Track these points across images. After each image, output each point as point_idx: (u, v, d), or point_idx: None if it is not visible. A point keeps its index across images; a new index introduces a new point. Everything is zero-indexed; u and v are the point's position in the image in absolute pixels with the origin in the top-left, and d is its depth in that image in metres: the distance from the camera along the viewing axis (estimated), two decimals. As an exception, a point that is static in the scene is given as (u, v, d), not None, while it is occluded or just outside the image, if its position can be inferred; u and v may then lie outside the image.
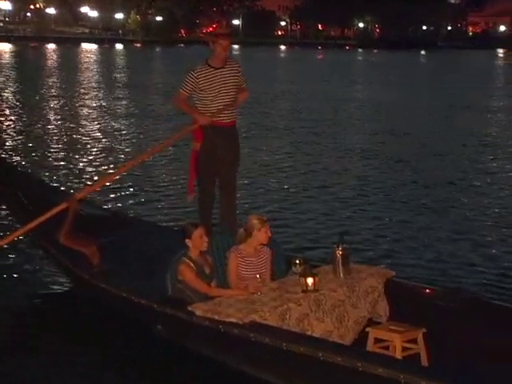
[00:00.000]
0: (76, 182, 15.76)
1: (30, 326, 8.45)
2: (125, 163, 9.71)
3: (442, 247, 11.81)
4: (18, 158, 18.77)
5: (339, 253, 7.20)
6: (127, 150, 21.10)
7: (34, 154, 19.85)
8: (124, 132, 24.94)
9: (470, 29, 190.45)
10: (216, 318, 6.46)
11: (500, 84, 56.61)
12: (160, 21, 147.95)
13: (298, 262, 7.27)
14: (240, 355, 6.58)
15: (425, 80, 56.62)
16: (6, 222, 11.97)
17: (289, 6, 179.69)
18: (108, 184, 12.27)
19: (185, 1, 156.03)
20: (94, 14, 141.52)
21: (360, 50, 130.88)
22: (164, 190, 15.19)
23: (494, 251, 11.74)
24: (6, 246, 9.57)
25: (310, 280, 6.71)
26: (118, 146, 21.72)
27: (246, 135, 22.45)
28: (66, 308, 8.89)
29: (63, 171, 17.39)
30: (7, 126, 25.38)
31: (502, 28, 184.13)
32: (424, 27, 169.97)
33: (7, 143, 21.53)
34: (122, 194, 14.30)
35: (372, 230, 12.82)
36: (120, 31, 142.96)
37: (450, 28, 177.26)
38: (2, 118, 26.93)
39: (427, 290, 7.40)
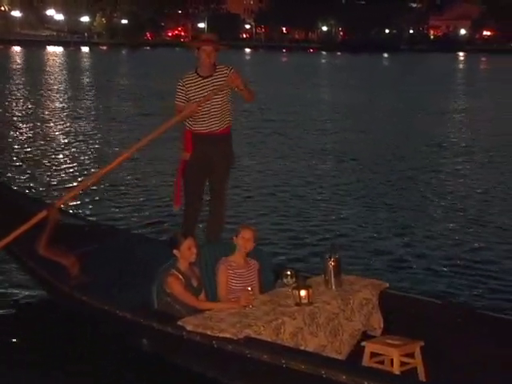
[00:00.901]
0: (45, 190, 15.33)
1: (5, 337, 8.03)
2: (104, 165, 8.97)
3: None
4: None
5: (331, 264, 6.91)
6: (89, 151, 20.87)
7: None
8: (90, 133, 24.69)
9: (432, 32, 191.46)
10: (208, 333, 6.09)
11: (458, 86, 57.08)
12: (125, 24, 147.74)
13: (289, 273, 7.03)
14: (234, 372, 6.24)
15: (386, 82, 56.32)
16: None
17: (253, 9, 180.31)
18: (86, 191, 12.16)
19: (150, 4, 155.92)
20: (59, 16, 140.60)
21: (324, 52, 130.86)
22: (145, 198, 14.64)
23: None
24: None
25: (303, 293, 6.41)
26: (81, 148, 21.42)
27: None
28: (42, 321, 8.46)
29: (30, 177, 16.86)
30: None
31: (463, 31, 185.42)
32: (386, 31, 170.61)
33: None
34: (100, 202, 13.82)
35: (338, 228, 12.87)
36: (86, 34, 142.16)
37: (412, 31, 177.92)
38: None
39: (421, 302, 7.10)
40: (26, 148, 21.23)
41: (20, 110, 31.14)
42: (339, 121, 30.35)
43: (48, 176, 17.06)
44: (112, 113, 31.28)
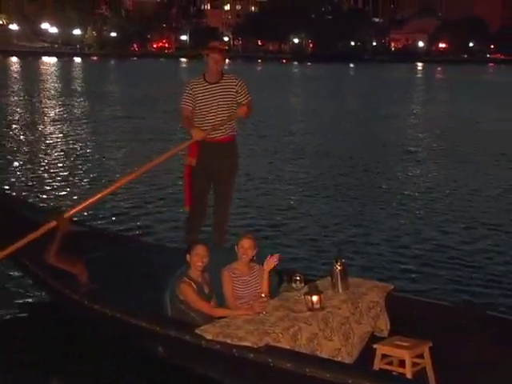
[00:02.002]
0: (47, 198, 14.46)
1: (15, 347, 7.30)
2: (116, 181, 8.52)
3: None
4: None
5: (338, 268, 6.54)
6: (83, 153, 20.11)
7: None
8: (82, 136, 24.10)
9: (393, 44, 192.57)
10: (228, 341, 5.62)
11: (415, 93, 57.33)
12: (114, 36, 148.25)
13: (298, 278, 6.55)
14: (255, 380, 5.79)
15: (351, 90, 57.02)
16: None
17: (231, 23, 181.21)
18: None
19: (137, 18, 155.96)
20: (53, 30, 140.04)
21: (295, 63, 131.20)
22: (151, 205, 13.62)
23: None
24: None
25: (315, 298, 6.03)
26: (74, 152, 20.69)
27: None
28: (45, 324, 7.80)
29: (32, 185, 15.90)
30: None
31: (420, 44, 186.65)
32: (352, 43, 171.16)
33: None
34: (106, 210, 12.71)
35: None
36: (78, 46, 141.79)
37: (375, 44, 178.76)
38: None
39: (425, 303, 6.76)
40: (27, 155, 20.25)
41: (19, 116, 30.44)
42: (308, 124, 30.25)
43: (46, 183, 16.30)
44: (98, 116, 30.89)
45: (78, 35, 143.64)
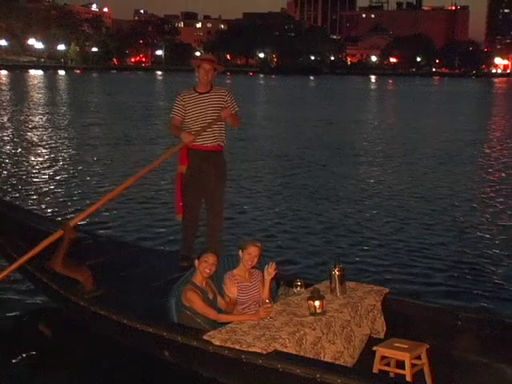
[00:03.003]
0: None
1: (21, 351, 6.64)
2: (116, 187, 7.66)
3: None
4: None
5: (336, 272, 6.22)
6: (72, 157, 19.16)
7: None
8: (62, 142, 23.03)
9: (349, 59, 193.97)
10: (237, 347, 5.25)
11: (368, 102, 57.86)
12: (96, 51, 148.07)
13: (299, 283, 6.25)
14: None
15: (308, 99, 56.94)
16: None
17: (203, 39, 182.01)
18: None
19: (116, 35, 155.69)
20: (39, 45, 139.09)
21: (261, 75, 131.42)
22: (147, 212, 12.56)
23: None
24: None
25: (317, 303, 5.71)
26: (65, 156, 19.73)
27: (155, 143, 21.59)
28: (56, 334, 7.17)
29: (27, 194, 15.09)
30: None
31: (373, 58, 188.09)
32: (312, 57, 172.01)
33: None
34: (103, 217, 11.71)
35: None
36: (62, 60, 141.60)
37: (332, 58, 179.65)
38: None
39: (420, 306, 6.42)
40: (17, 163, 19.49)
41: (6, 122, 29.77)
42: (270, 130, 30.24)
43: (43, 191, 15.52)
44: (79, 122, 30.45)
45: (62, 50, 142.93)
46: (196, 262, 6.00)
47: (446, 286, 8.74)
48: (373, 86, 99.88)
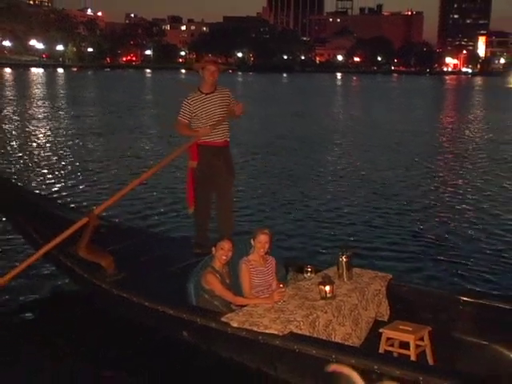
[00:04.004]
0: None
1: (47, 334, 6.31)
2: (136, 178, 7.39)
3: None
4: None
5: (344, 259, 6.00)
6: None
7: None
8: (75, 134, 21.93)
9: (317, 58, 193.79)
10: (254, 329, 5.03)
11: (336, 97, 58.20)
12: (91, 51, 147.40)
13: (309, 269, 6.05)
14: (281, 364, 5.11)
15: (281, 95, 56.67)
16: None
17: (187, 40, 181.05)
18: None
19: (109, 36, 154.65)
20: (40, 46, 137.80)
21: (239, 73, 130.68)
22: (162, 201, 12.05)
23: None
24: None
25: (328, 288, 5.52)
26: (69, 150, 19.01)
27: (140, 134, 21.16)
28: (79, 316, 6.64)
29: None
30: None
31: (340, 58, 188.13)
32: (285, 57, 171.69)
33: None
34: (120, 205, 10.61)
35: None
36: (60, 59, 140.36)
37: (303, 57, 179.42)
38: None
39: (422, 291, 6.15)
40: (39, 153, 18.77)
41: (13, 114, 29.16)
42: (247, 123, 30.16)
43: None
44: (74, 114, 30.32)
45: (60, 50, 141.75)
46: (213, 249, 5.78)
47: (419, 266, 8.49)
48: (339, 83, 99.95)
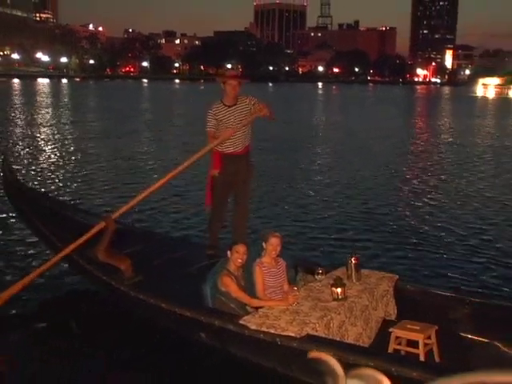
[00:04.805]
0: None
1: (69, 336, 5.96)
2: (154, 182, 6.74)
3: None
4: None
5: (353, 261, 5.78)
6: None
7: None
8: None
9: (300, 69, 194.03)
10: (272, 331, 4.78)
11: (318, 104, 58.40)
12: (92, 63, 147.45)
13: (320, 271, 5.81)
14: (298, 365, 4.80)
15: (267, 102, 56.32)
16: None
17: (181, 53, 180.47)
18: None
19: (109, 49, 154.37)
20: (46, 58, 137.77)
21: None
22: (174, 205, 11.40)
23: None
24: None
25: (340, 290, 5.32)
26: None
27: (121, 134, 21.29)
28: (99, 316, 6.32)
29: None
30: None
31: (320, 69, 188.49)
32: (270, 68, 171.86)
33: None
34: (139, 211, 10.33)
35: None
36: (65, 70, 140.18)
37: (287, 68, 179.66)
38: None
39: (428, 291, 5.91)
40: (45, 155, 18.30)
41: (23, 120, 28.43)
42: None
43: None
44: (77, 120, 29.73)
45: (64, 62, 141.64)
46: (228, 252, 5.50)
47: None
48: (320, 92, 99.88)
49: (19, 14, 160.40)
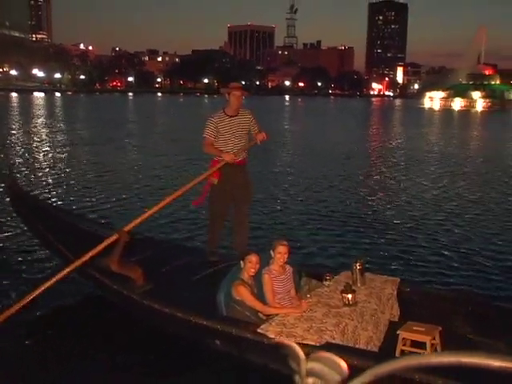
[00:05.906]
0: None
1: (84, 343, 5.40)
2: (167, 197, 6.25)
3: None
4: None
5: (358, 266, 5.47)
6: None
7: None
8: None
9: (269, 83, 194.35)
10: (292, 340, 4.24)
11: (285, 114, 58.36)
12: (83, 78, 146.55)
13: (328, 277, 5.48)
14: None
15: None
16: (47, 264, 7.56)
17: (162, 69, 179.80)
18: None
19: (98, 66, 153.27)
20: (41, 74, 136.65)
21: (206, 96, 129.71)
22: (178, 214, 10.31)
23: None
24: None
25: (350, 296, 4.99)
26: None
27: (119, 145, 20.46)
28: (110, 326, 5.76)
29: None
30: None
31: (287, 83, 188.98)
32: (243, 82, 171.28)
33: None
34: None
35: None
36: (58, 85, 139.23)
37: (258, 83, 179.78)
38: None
39: (430, 293, 5.63)
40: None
41: (20, 131, 27.20)
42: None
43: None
44: (69, 130, 28.71)
45: (58, 78, 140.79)
46: (241, 262, 5.10)
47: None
48: (287, 103, 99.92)
49: (17, 34, 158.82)
